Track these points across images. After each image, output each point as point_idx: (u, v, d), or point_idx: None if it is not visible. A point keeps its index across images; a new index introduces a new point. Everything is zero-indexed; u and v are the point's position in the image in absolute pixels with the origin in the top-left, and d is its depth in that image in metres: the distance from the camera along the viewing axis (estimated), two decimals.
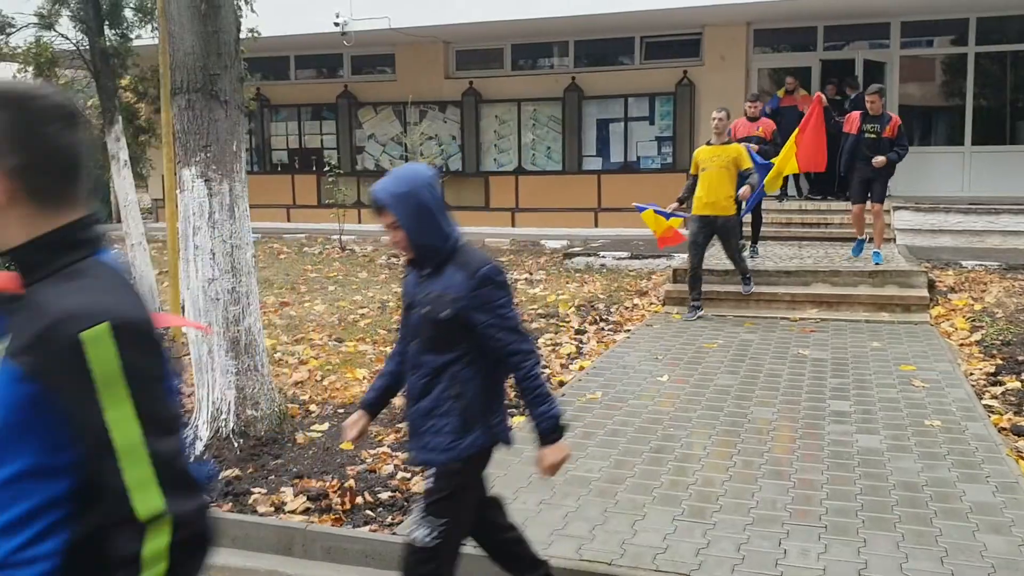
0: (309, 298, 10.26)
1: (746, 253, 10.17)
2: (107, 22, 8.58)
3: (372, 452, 5.02)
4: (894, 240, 11.98)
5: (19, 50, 8.96)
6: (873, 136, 9.24)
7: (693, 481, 4.55)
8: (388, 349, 7.27)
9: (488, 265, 2.84)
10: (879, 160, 9.12)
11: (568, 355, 7.37)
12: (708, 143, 8.67)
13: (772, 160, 9.70)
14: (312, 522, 4.21)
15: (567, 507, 4.25)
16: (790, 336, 7.91)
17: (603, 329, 8.39)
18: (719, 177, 8.32)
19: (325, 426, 5.49)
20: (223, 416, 5.07)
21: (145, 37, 9.01)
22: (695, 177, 8.61)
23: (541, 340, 7.83)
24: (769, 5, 13.44)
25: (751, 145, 9.67)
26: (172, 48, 5.06)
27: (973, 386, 6.24)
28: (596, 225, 15.63)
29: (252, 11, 8.84)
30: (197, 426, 5.12)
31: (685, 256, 8.87)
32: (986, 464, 4.70)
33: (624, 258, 12.06)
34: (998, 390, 6.14)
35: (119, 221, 9.77)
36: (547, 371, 6.84)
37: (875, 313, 8.59)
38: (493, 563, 3.30)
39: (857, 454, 4.88)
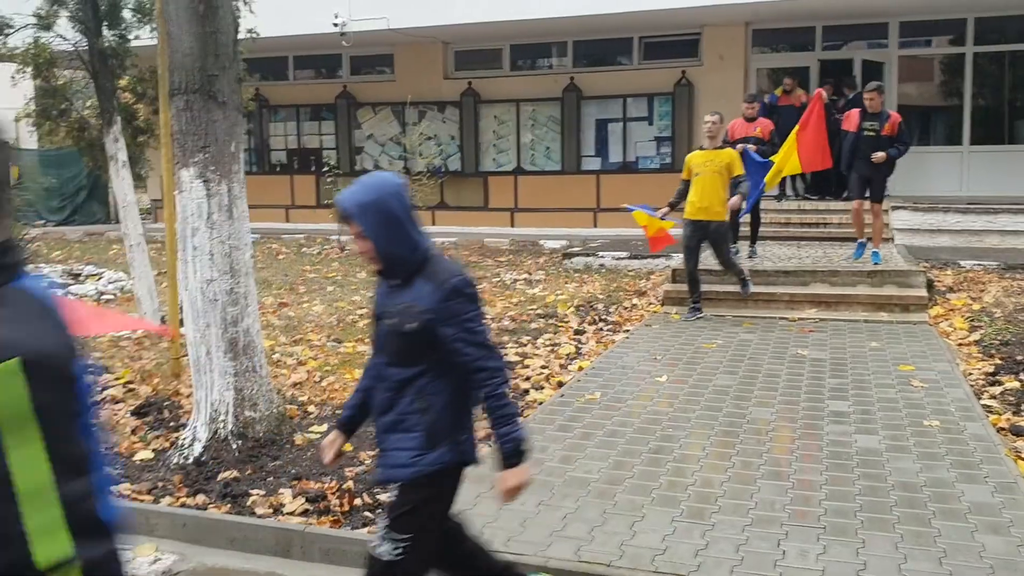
0: (308, 299, 10.26)
1: (744, 253, 10.19)
2: (105, 23, 8.56)
3: (370, 454, 5.02)
4: (892, 240, 11.99)
5: (17, 51, 8.93)
6: (872, 134, 9.22)
7: (692, 482, 4.55)
8: None
9: (458, 277, 2.76)
10: (878, 156, 9.10)
11: (567, 355, 7.37)
12: (701, 147, 8.64)
13: (772, 159, 9.70)
14: (311, 524, 4.21)
15: (566, 508, 4.25)
16: (789, 336, 7.91)
17: (602, 329, 8.39)
18: (712, 182, 8.30)
19: (324, 427, 5.48)
20: (221, 417, 5.06)
21: (144, 38, 8.99)
22: (686, 182, 8.59)
23: (540, 340, 7.84)
24: (768, 5, 13.44)
25: (749, 146, 9.67)
26: (170, 49, 5.06)
27: (972, 386, 6.24)
28: (595, 225, 15.64)
29: (251, 11, 8.83)
30: (195, 427, 5.11)
31: (682, 257, 8.85)
32: (985, 464, 4.70)
33: (623, 258, 12.06)
34: (997, 390, 6.15)
35: (118, 222, 9.77)
36: (546, 371, 6.84)
37: (874, 313, 8.59)
38: None
39: (856, 454, 4.88)
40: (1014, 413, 5.65)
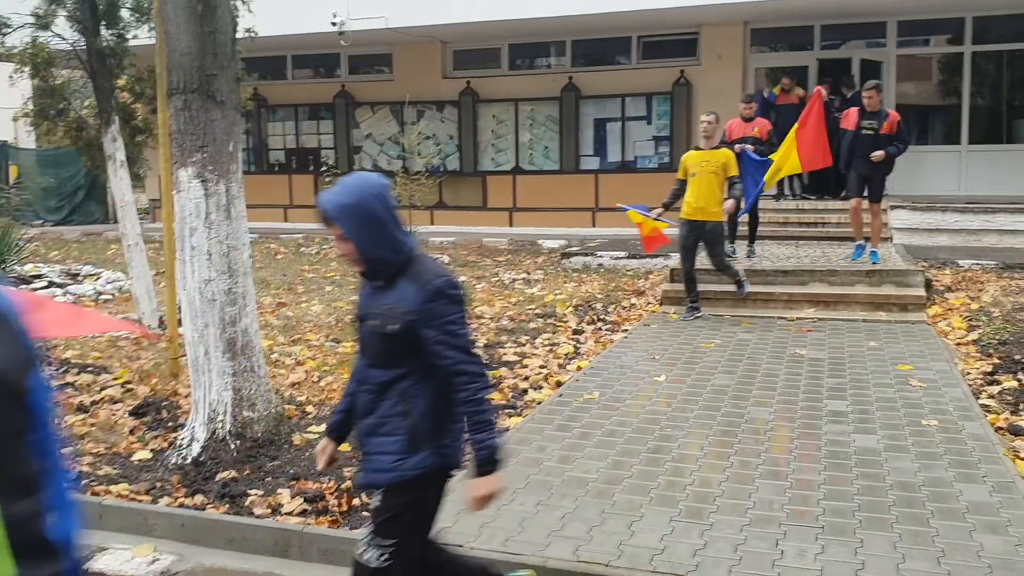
0: (306, 298, 10.25)
1: (743, 252, 10.19)
2: (103, 22, 8.55)
3: None
4: (891, 239, 11.99)
5: (15, 50, 8.92)
6: (871, 133, 9.21)
7: (690, 482, 4.55)
8: None
9: (442, 278, 2.72)
10: (878, 155, 9.10)
11: (565, 355, 7.37)
12: (697, 147, 8.62)
13: (771, 157, 9.67)
14: (309, 524, 4.21)
15: (564, 508, 4.25)
16: (787, 336, 7.91)
17: (600, 329, 8.39)
18: (709, 182, 8.29)
19: (322, 427, 5.47)
20: (220, 418, 5.06)
21: (142, 37, 8.99)
22: (682, 182, 8.58)
23: (539, 340, 7.83)
24: (766, 4, 13.44)
25: (747, 146, 9.66)
26: (168, 48, 5.05)
27: (970, 385, 6.24)
28: (594, 225, 15.64)
29: (249, 11, 8.82)
30: (194, 427, 5.11)
31: (679, 257, 8.84)
32: (983, 464, 4.71)
33: (621, 258, 12.06)
34: (995, 389, 6.15)
35: (116, 222, 9.76)
36: (545, 371, 6.84)
37: (872, 312, 8.60)
38: None
39: (854, 454, 4.88)
40: (1012, 412, 5.65)
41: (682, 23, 14.81)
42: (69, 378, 6.77)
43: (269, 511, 4.37)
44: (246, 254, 5.19)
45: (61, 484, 1.37)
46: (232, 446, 5.02)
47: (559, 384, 6.50)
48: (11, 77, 9.09)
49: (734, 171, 8.39)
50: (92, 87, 8.64)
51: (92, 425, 5.72)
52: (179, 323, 6.01)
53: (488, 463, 2.74)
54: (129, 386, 6.53)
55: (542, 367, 6.96)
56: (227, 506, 4.45)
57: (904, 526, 3.97)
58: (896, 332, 7.92)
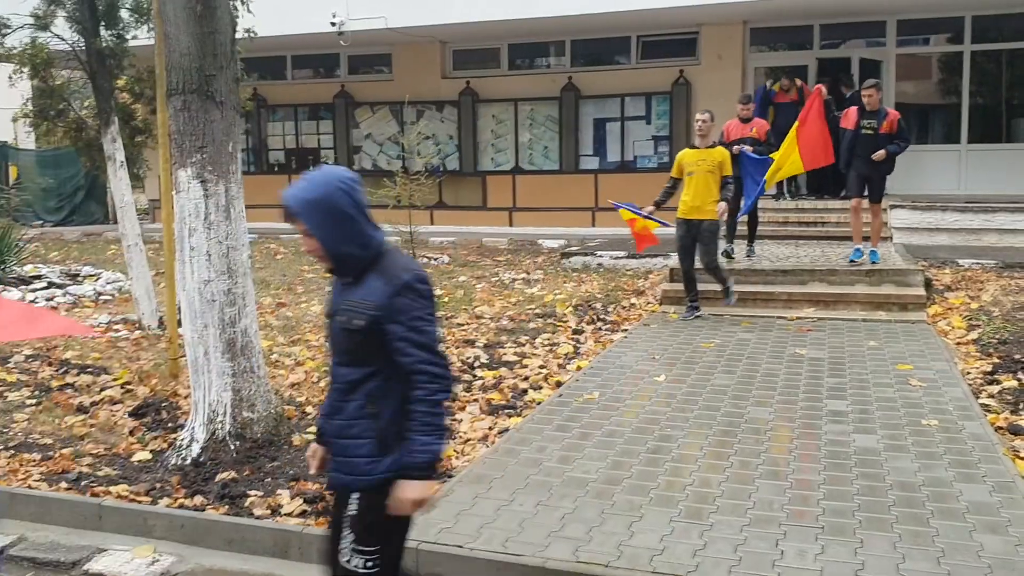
0: (306, 299, 10.25)
1: (742, 252, 10.18)
2: (103, 23, 8.55)
3: None
4: (891, 239, 11.99)
5: (15, 51, 8.92)
6: (870, 132, 9.18)
7: (690, 482, 4.55)
8: None
9: (410, 273, 2.63)
10: (879, 154, 9.07)
11: (565, 355, 7.37)
12: (693, 146, 8.59)
13: (771, 156, 9.62)
14: (309, 525, 4.20)
15: (564, 508, 4.25)
16: (787, 335, 7.91)
17: (600, 329, 8.39)
18: (705, 181, 8.28)
19: None
20: (219, 418, 5.06)
21: (141, 38, 8.98)
22: (675, 180, 8.58)
23: (538, 340, 7.83)
24: (765, 4, 13.44)
25: (746, 147, 9.64)
26: (168, 49, 5.05)
27: (970, 385, 6.24)
28: (593, 224, 15.64)
29: (248, 11, 8.81)
30: (193, 428, 5.11)
31: (678, 257, 8.83)
32: (983, 463, 4.70)
33: (621, 257, 12.06)
34: (995, 389, 6.15)
35: (116, 222, 9.75)
36: (544, 371, 6.84)
37: (872, 312, 8.60)
38: None
39: (854, 454, 4.88)
40: (1012, 412, 5.65)
41: (681, 23, 14.81)
42: (69, 379, 6.77)
43: (269, 512, 4.37)
44: (245, 254, 5.19)
45: None
46: (232, 447, 5.02)
47: (559, 384, 6.50)
48: (11, 78, 9.08)
49: (729, 170, 8.38)
50: (92, 88, 8.64)
51: (92, 426, 5.72)
52: (179, 323, 6.01)
53: (426, 468, 2.61)
54: (129, 387, 6.53)
55: (542, 367, 6.96)
56: (227, 507, 4.45)
57: (904, 526, 3.97)
58: (896, 332, 7.92)
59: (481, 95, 16.50)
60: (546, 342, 7.79)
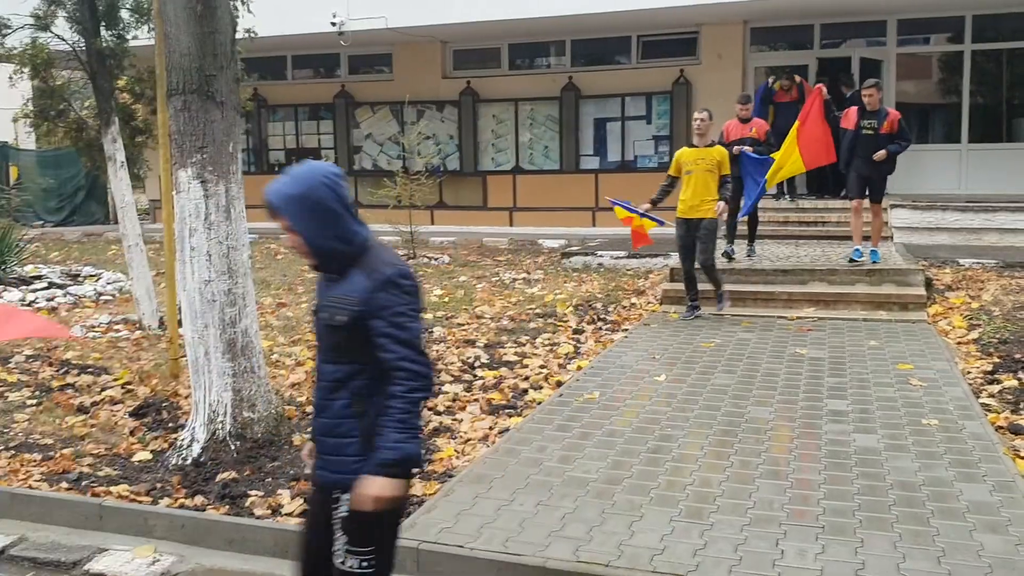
0: (306, 299, 10.25)
1: (743, 252, 10.18)
2: (103, 23, 8.55)
3: None
4: (891, 238, 11.99)
5: (15, 51, 8.93)
6: (871, 132, 9.16)
7: (690, 482, 4.55)
8: None
9: (394, 267, 2.60)
10: (880, 154, 9.06)
11: (566, 355, 7.37)
12: (691, 145, 8.57)
13: (772, 156, 9.60)
14: None
15: (564, 508, 4.25)
16: (787, 335, 7.91)
17: (600, 329, 8.39)
18: (704, 180, 8.27)
19: None
20: (220, 418, 5.06)
21: (142, 38, 8.99)
22: (673, 179, 8.58)
23: (539, 340, 7.83)
24: (765, 3, 13.44)
25: (746, 148, 9.63)
26: (168, 49, 5.05)
27: (970, 384, 6.24)
28: (594, 224, 15.64)
29: (249, 11, 8.82)
30: (194, 428, 5.11)
31: (678, 256, 8.83)
32: (983, 463, 4.70)
33: (621, 257, 12.06)
34: (995, 388, 6.15)
35: (116, 222, 9.76)
36: (545, 371, 6.84)
37: (872, 312, 8.60)
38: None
39: (855, 454, 4.88)
40: (1012, 411, 5.65)
41: (682, 22, 14.81)
42: (69, 379, 6.78)
43: (269, 512, 4.37)
44: (246, 255, 5.19)
45: None
46: (232, 447, 5.02)
47: (559, 384, 6.50)
48: (11, 78, 9.09)
49: (728, 169, 8.38)
50: (92, 88, 8.64)
51: (92, 426, 5.72)
52: (179, 324, 6.02)
53: (395, 465, 2.53)
54: (129, 387, 6.53)
55: (542, 367, 6.96)
56: (227, 507, 4.45)
57: (904, 526, 3.97)
58: (896, 331, 7.91)
59: (481, 95, 16.50)
60: (546, 342, 7.79)
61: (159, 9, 5.62)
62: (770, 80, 13.46)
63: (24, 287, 10.62)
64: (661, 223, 8.85)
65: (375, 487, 2.54)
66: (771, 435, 5.25)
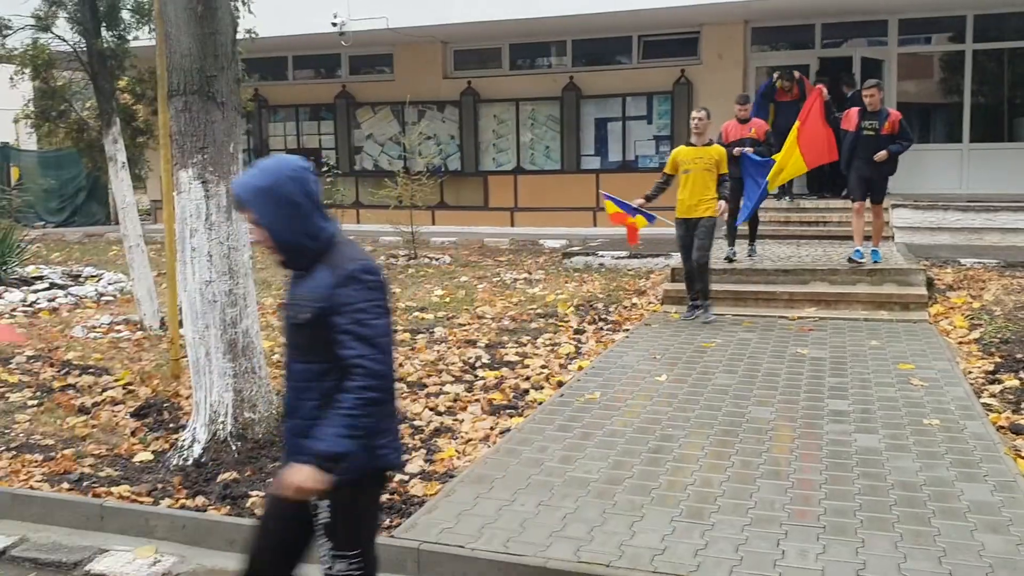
0: None
1: (744, 252, 10.17)
2: (104, 24, 8.56)
3: None
4: (892, 238, 11.98)
5: (16, 52, 8.94)
6: (872, 133, 9.14)
7: (691, 482, 4.55)
8: None
9: (357, 263, 2.54)
10: (881, 154, 9.05)
11: (567, 355, 7.36)
12: (689, 143, 8.55)
13: (773, 157, 9.59)
14: None
15: (565, 508, 4.25)
16: (788, 335, 7.91)
17: (602, 329, 8.39)
18: (702, 179, 8.25)
19: None
20: (221, 419, 5.06)
21: (143, 39, 8.99)
22: (668, 177, 8.57)
23: (540, 340, 7.83)
24: (767, 3, 13.43)
25: (747, 149, 9.62)
26: (169, 50, 5.05)
27: (972, 384, 6.24)
28: (595, 224, 15.63)
29: (250, 12, 8.82)
30: (195, 429, 5.12)
31: (679, 256, 8.81)
32: (984, 463, 4.70)
33: (623, 257, 12.06)
34: (996, 388, 6.14)
35: (117, 223, 9.76)
36: (546, 371, 6.83)
37: (874, 311, 8.59)
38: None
39: (856, 454, 4.88)
40: (1014, 411, 5.64)
41: (683, 22, 14.80)
42: (71, 380, 6.78)
43: None
44: (247, 255, 5.19)
45: None
46: (233, 447, 5.03)
47: (560, 384, 6.50)
48: (12, 79, 9.10)
49: (725, 168, 8.38)
50: (93, 89, 8.65)
51: (94, 427, 5.72)
52: (180, 324, 6.02)
53: (322, 458, 2.46)
54: (130, 387, 6.53)
55: (543, 367, 6.96)
56: (228, 507, 4.45)
57: (905, 526, 3.96)
58: (898, 331, 7.91)
59: (482, 95, 16.50)
60: (548, 342, 7.79)
61: (160, 10, 5.62)
62: (774, 76, 13.41)
63: (25, 288, 10.63)
64: (652, 220, 8.85)
65: (300, 476, 2.49)
66: (772, 435, 5.25)
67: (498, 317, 8.85)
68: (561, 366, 7.04)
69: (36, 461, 5.14)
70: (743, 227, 10.22)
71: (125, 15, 8.89)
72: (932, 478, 4.50)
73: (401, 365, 6.99)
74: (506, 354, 7.35)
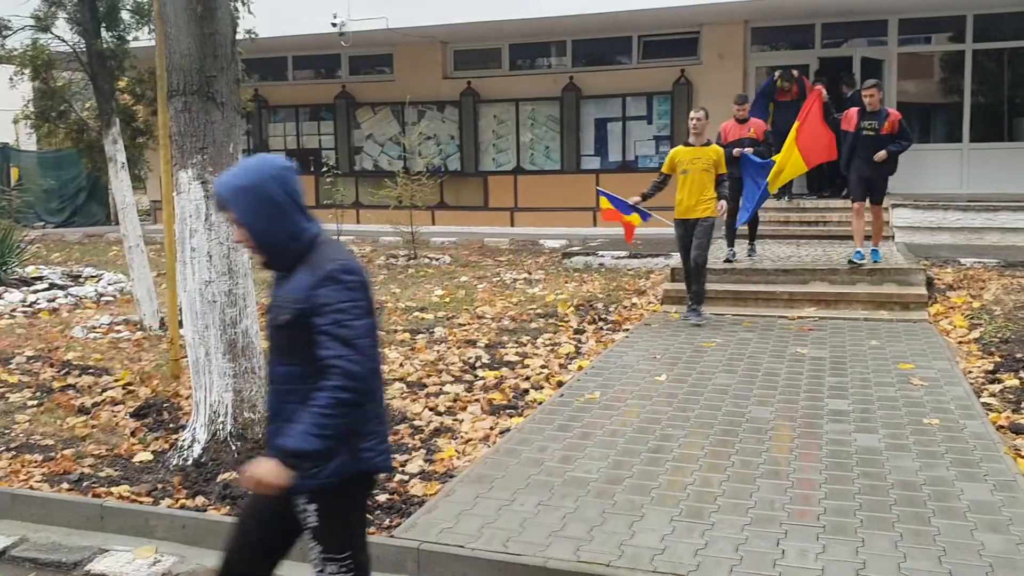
0: None
1: (744, 252, 10.17)
2: (104, 24, 8.56)
3: None
4: (892, 238, 11.98)
5: (16, 52, 8.94)
6: (871, 133, 9.13)
7: (691, 481, 4.55)
8: (384, 351, 7.28)
9: (336, 263, 2.50)
10: (880, 154, 9.04)
11: (567, 355, 7.36)
12: (687, 144, 8.54)
13: (773, 158, 9.59)
14: None
15: (565, 508, 4.25)
16: (788, 335, 7.91)
17: (601, 329, 8.39)
18: (701, 180, 8.25)
19: None
20: (220, 419, 5.06)
21: (142, 39, 8.99)
22: (665, 176, 8.58)
23: (540, 340, 7.83)
24: (767, 3, 13.43)
25: (747, 149, 9.61)
26: (168, 50, 5.05)
27: (971, 384, 6.24)
28: (594, 224, 15.62)
29: (249, 12, 8.83)
30: (195, 429, 5.11)
31: (679, 256, 8.81)
32: (984, 462, 4.70)
33: (622, 257, 12.05)
34: (996, 388, 6.14)
35: (117, 223, 9.76)
36: (546, 371, 6.83)
37: (874, 311, 8.59)
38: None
39: (855, 453, 4.88)
40: (1014, 411, 5.64)
41: (682, 22, 14.81)
42: (70, 380, 6.78)
43: None
44: (247, 255, 5.19)
45: None
46: (233, 447, 5.02)
47: (560, 384, 6.50)
48: (12, 79, 9.10)
49: (724, 168, 8.38)
50: (93, 89, 8.65)
51: (93, 427, 5.72)
52: (180, 324, 6.02)
53: (287, 454, 2.44)
54: (130, 388, 6.53)
55: (543, 367, 6.96)
56: (228, 507, 4.45)
57: (905, 525, 3.96)
58: (898, 331, 7.91)
59: (482, 95, 16.50)
60: (547, 342, 7.79)
61: (159, 10, 5.62)
62: (776, 75, 13.39)
63: (25, 288, 10.63)
64: (647, 218, 8.86)
65: (261, 469, 2.48)
66: (772, 435, 5.25)
67: (498, 317, 8.85)
68: (561, 366, 7.04)
69: (36, 461, 5.14)
70: (743, 227, 10.22)
71: (125, 15, 8.89)
72: (932, 477, 4.50)
73: (401, 365, 6.99)
74: (506, 354, 7.35)
